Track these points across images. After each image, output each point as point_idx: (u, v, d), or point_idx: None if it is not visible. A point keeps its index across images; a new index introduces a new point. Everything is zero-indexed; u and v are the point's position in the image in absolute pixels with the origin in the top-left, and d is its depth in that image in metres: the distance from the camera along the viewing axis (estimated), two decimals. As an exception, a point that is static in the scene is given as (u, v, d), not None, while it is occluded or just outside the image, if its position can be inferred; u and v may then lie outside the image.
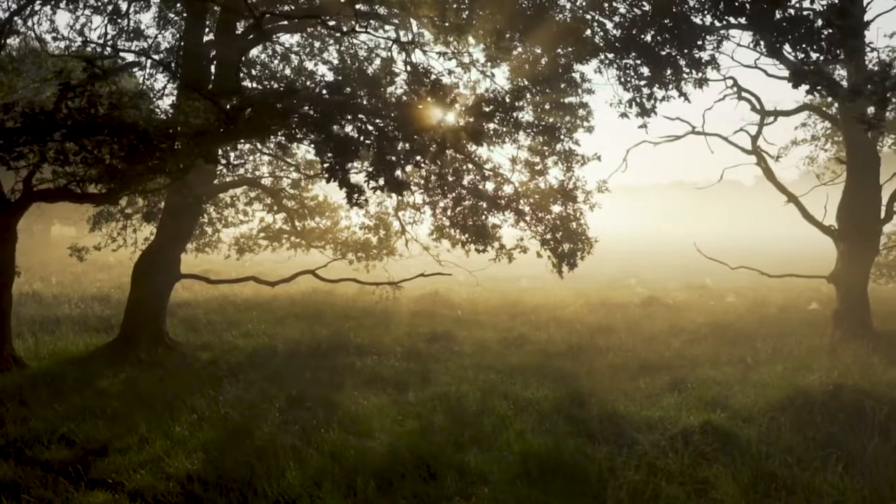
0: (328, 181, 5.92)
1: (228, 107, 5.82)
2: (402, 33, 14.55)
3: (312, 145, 6.92)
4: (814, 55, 6.63)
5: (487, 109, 11.09)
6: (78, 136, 6.74)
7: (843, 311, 12.51)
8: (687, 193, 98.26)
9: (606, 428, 7.40)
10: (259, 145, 13.32)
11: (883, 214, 12.48)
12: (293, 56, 16.61)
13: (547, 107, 12.92)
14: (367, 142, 6.19)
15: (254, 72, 15.86)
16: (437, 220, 13.05)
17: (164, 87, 13.56)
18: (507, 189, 12.46)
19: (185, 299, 17.34)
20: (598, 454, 6.65)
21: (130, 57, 13.74)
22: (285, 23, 11.75)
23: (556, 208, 12.07)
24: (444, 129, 8.05)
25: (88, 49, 13.05)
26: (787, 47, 6.68)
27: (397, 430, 7.45)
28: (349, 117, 6.45)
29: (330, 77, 14.42)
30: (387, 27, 14.83)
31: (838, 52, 6.62)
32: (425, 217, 14.42)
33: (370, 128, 6.37)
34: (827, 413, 7.15)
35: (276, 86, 14.48)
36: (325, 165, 5.84)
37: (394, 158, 6.36)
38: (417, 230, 15.35)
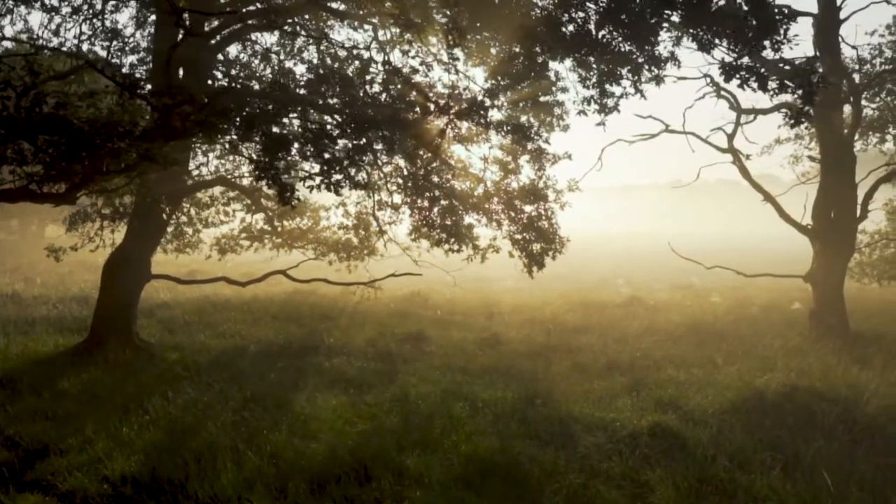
0: (257, 180, 5.84)
1: (161, 105, 5.78)
2: (380, 33, 14.54)
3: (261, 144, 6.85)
4: (746, 49, 6.51)
5: (460, 108, 11.11)
6: (18, 136, 6.69)
7: (818, 311, 12.39)
8: (685, 193, 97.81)
9: (557, 430, 7.31)
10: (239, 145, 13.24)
11: (858, 213, 12.34)
12: (273, 56, 16.56)
13: (521, 105, 12.86)
14: (306, 139, 6.12)
15: (233, 71, 15.83)
16: (414, 219, 12.99)
17: (143, 85, 13.50)
18: (479, 188, 12.43)
19: (164, 300, 17.33)
20: (544, 456, 6.57)
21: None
22: (252, 22, 11.67)
23: (528, 207, 12.00)
24: (401, 127, 7.97)
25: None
26: (716, 40, 6.58)
27: (348, 431, 7.37)
28: (294, 115, 6.38)
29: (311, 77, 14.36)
30: (366, 26, 14.81)
31: (764, 44, 6.50)
32: (404, 217, 14.39)
33: (313, 126, 6.30)
34: (778, 415, 7.05)
35: (256, 85, 14.43)
36: (255, 163, 5.78)
37: (333, 157, 6.31)
38: (396, 230, 15.30)
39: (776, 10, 6.34)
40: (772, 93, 6.65)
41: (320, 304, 17.52)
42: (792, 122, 7.15)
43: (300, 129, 6.50)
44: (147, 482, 5.98)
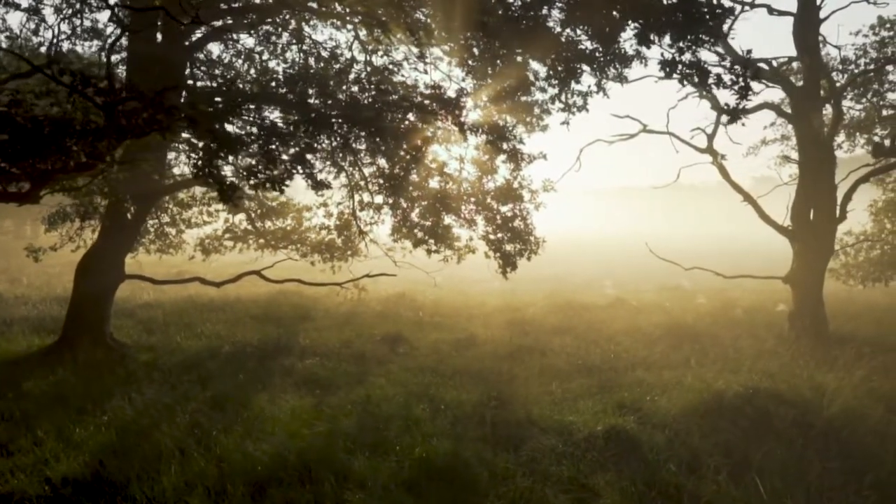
0: (195, 177, 5.78)
1: (101, 101, 5.73)
2: (362, 33, 14.49)
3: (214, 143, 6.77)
4: (682, 43, 6.43)
5: (435, 107, 11.07)
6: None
7: (797, 313, 12.27)
8: (685, 195, 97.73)
9: (514, 432, 7.23)
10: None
11: (838, 214, 12.21)
12: (256, 56, 16.50)
13: (501, 105, 12.79)
14: (253, 138, 6.06)
15: (216, 71, 15.80)
16: (395, 220, 12.95)
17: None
18: (455, 189, 12.37)
19: (147, 300, 17.31)
20: (496, 459, 6.50)
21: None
22: (228, 20, 11.61)
23: (503, 208, 11.92)
24: (360, 125, 7.89)
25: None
26: (652, 34, 6.49)
27: (302, 433, 7.29)
28: (245, 113, 6.32)
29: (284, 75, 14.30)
30: (348, 27, 14.77)
31: (702, 38, 6.40)
32: (385, 218, 14.34)
33: (265, 123, 6.25)
34: (735, 418, 6.94)
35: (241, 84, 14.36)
36: (192, 161, 5.73)
37: (280, 156, 6.25)
38: (378, 231, 15.23)
39: (708, 4, 6.23)
40: (709, 88, 6.56)
41: (303, 304, 17.47)
42: (728, 118, 7.03)
43: (251, 128, 6.44)
44: (89, 484, 5.92)
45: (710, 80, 6.50)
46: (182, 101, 10.43)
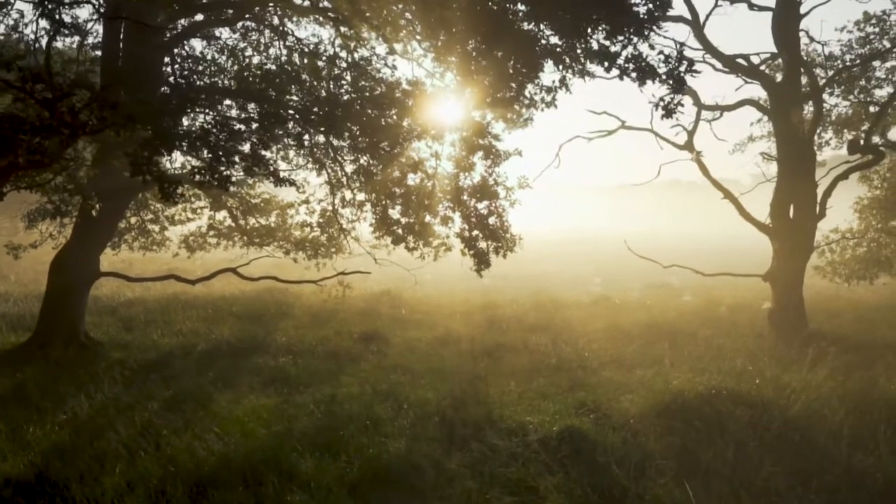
0: (132, 175, 5.71)
1: (41, 99, 5.65)
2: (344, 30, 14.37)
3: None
4: (620, 36, 6.29)
5: (413, 103, 11.01)
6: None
7: (777, 311, 12.13)
8: (683, 192, 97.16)
9: (471, 433, 7.14)
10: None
11: (818, 211, 12.06)
12: (238, 53, 16.39)
13: (485, 101, 12.68)
14: (206, 134, 5.97)
15: (200, 67, 15.71)
16: (375, 216, 12.87)
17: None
18: (431, 185, 12.28)
19: (130, 298, 17.27)
20: (448, 460, 6.42)
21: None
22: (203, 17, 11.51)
23: (480, 205, 11.83)
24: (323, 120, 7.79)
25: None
26: (589, 28, 6.36)
27: (257, 433, 7.22)
28: (199, 109, 6.23)
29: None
30: (332, 23, 14.66)
31: (642, 31, 6.26)
32: (367, 215, 14.26)
33: (217, 118, 6.17)
34: (693, 419, 6.83)
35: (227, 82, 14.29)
36: (131, 159, 5.64)
37: (229, 153, 6.16)
38: (361, 228, 15.15)
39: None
40: (644, 83, 6.43)
41: (286, 301, 17.42)
42: (664, 113, 6.87)
43: (204, 124, 6.36)
44: (31, 484, 5.86)
45: (648, 76, 6.35)
46: (159, 96, 10.36)
